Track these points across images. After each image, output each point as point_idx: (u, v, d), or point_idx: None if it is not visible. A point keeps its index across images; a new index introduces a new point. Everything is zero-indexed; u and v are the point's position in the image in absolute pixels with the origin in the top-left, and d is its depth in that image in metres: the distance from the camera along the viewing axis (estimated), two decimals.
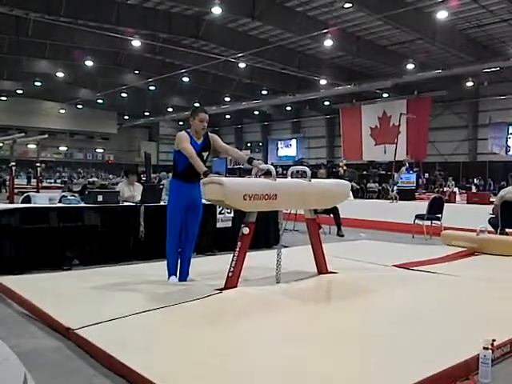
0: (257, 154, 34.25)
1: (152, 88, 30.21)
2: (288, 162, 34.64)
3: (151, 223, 6.05)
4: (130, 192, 7.05)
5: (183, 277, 4.60)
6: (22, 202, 6.19)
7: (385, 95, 28.52)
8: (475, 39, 21.48)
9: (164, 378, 2.47)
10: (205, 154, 4.50)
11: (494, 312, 3.78)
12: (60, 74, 27.82)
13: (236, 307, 3.85)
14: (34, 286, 4.37)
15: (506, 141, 27.72)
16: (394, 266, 5.58)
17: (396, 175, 20.52)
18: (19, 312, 3.83)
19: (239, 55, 22.12)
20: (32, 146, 25.80)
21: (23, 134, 14.57)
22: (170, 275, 4.53)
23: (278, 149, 39.98)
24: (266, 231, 6.87)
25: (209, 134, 4.58)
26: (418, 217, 8.85)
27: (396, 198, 18.13)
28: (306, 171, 4.81)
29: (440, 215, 8.80)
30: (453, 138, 29.81)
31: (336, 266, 5.12)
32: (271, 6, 18.52)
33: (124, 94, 32.70)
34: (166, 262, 4.58)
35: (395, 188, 19.29)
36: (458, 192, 21.56)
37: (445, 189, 22.39)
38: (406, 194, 19.45)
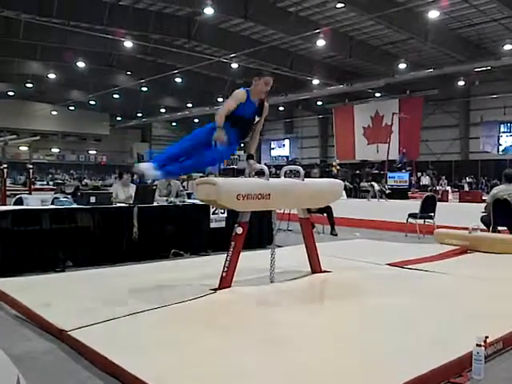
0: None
1: (144, 89, 30.12)
2: (282, 162, 34.68)
3: (144, 224, 6.04)
4: (125, 194, 6.98)
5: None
6: (14, 204, 6.17)
7: (377, 95, 28.65)
8: (466, 38, 21.60)
9: (159, 379, 2.46)
10: (257, 119, 4.32)
11: (486, 309, 3.80)
12: (52, 76, 27.67)
13: (230, 307, 3.85)
14: (26, 288, 4.34)
15: (498, 139, 27.91)
16: (388, 264, 5.60)
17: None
18: (12, 314, 3.80)
19: (232, 56, 22.12)
20: (24, 148, 25.66)
21: (15, 136, 14.50)
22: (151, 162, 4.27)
23: (271, 149, 39.99)
24: (259, 231, 6.87)
25: (265, 104, 4.38)
26: (411, 215, 8.88)
27: (376, 197, 18.15)
28: (299, 171, 4.82)
29: (433, 214, 8.83)
30: (445, 137, 29.95)
31: (330, 265, 5.13)
32: (263, 7, 18.54)
33: (116, 96, 32.56)
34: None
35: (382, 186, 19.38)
36: (450, 191, 21.67)
37: (437, 187, 22.50)
38: (399, 193, 19.53)
